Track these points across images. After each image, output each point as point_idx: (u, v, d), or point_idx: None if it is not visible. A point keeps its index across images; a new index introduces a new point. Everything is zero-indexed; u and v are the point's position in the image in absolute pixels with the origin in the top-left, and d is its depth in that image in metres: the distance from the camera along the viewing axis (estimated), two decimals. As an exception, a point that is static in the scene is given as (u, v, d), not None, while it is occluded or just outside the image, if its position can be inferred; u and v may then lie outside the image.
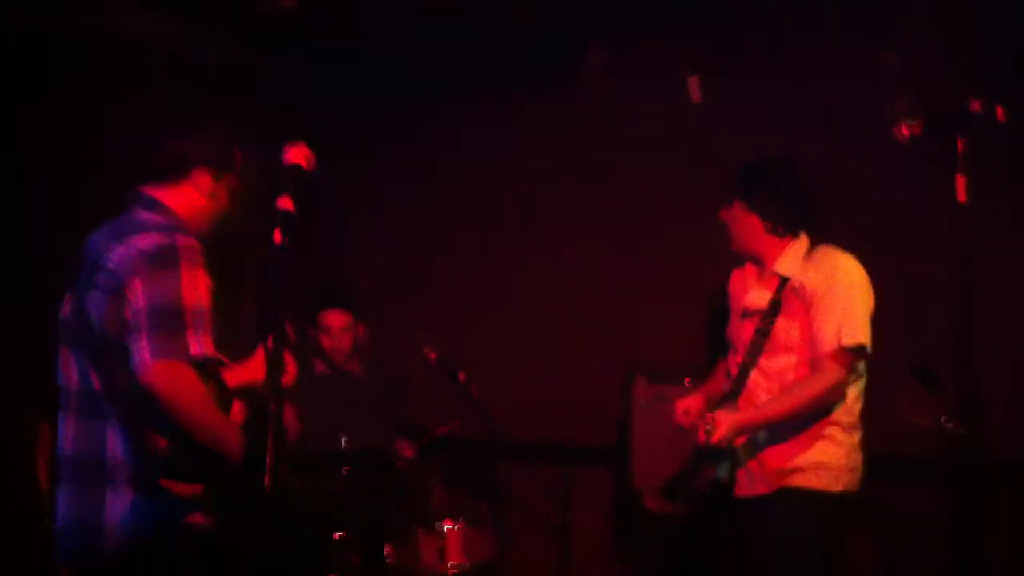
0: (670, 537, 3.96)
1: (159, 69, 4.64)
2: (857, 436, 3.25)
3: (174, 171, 2.68)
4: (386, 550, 3.72)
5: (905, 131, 2.86)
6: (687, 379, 4.13)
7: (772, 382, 3.26)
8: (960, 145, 2.74)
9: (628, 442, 4.26)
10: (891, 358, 3.66)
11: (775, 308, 3.27)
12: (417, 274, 5.48)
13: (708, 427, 3.11)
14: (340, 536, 3.66)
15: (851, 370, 3.16)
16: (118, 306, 2.44)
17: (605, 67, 4.70)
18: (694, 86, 4.38)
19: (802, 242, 3.32)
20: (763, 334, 3.28)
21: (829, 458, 3.19)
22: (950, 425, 3.00)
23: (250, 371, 2.76)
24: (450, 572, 3.76)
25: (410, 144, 5.58)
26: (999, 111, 2.71)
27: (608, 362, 4.63)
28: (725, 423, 3.11)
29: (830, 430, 3.21)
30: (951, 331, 2.69)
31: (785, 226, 3.32)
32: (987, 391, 2.83)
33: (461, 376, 4.12)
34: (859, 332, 3.12)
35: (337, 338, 4.43)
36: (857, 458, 3.24)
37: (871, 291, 3.22)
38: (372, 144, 5.62)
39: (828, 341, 3.13)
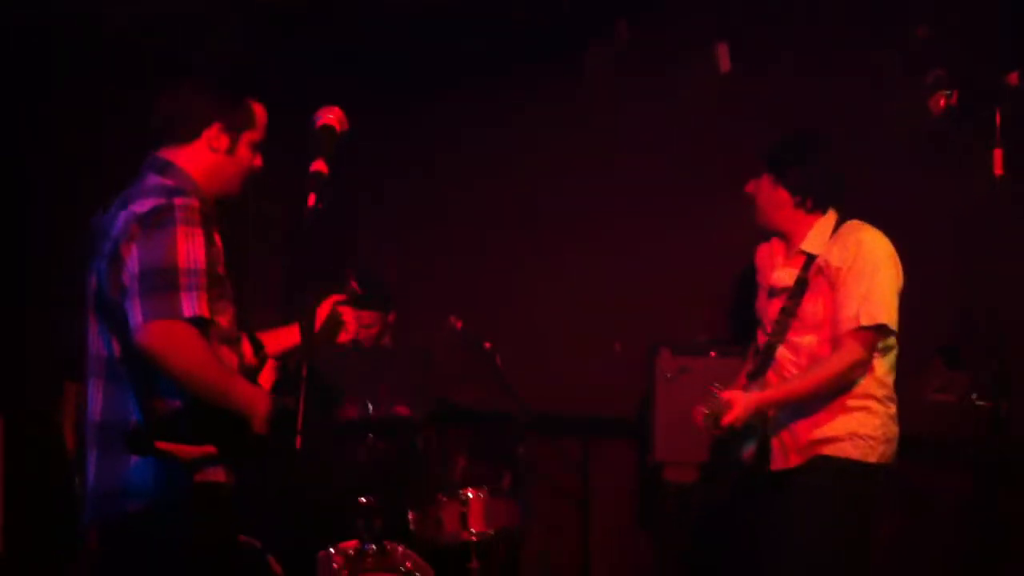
0: (692, 510, 3.96)
1: (159, 68, 4.61)
2: (893, 408, 3.23)
3: (184, 129, 2.59)
4: (409, 516, 3.74)
5: (941, 102, 2.84)
6: (712, 352, 4.12)
7: (801, 357, 3.23)
8: (998, 117, 2.72)
9: (651, 414, 4.24)
10: (920, 336, 3.65)
11: (801, 287, 3.25)
12: (439, 245, 5.47)
13: (719, 409, 3.10)
14: (364, 502, 3.68)
15: (871, 349, 3.13)
16: (117, 271, 2.43)
17: (610, 61, 4.68)
18: (723, 54, 4.34)
19: (830, 218, 3.29)
20: (789, 313, 3.26)
21: (866, 428, 3.16)
22: (980, 402, 2.99)
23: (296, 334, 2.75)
24: (472, 539, 3.77)
25: (409, 143, 5.56)
26: (1036, 84, 2.69)
27: (633, 333, 4.63)
28: (739, 404, 3.10)
29: (866, 401, 3.19)
30: (980, 308, 2.68)
31: (814, 201, 3.28)
32: (1015, 368, 2.83)
33: (487, 345, 4.13)
34: (880, 311, 3.09)
35: (365, 331, 4.42)
36: (894, 429, 3.22)
37: (897, 266, 3.18)
38: (371, 143, 5.60)
39: (848, 320, 3.10)
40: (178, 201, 2.45)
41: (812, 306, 3.22)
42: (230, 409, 2.43)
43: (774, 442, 3.26)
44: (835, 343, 3.15)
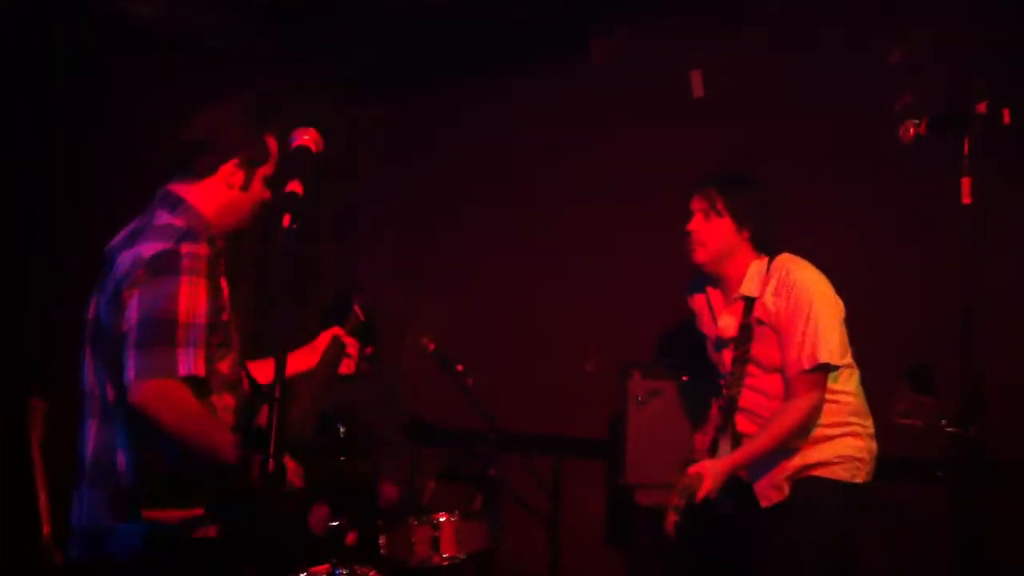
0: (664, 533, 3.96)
1: (162, 58, 4.62)
2: (871, 426, 3.28)
3: (201, 164, 2.55)
4: (381, 540, 3.71)
5: (911, 131, 2.87)
6: (685, 375, 4.13)
7: (772, 399, 3.25)
8: (966, 146, 2.75)
9: (622, 437, 4.24)
10: (892, 359, 3.68)
11: (747, 333, 3.28)
12: (413, 266, 5.47)
13: (692, 486, 3.08)
14: (335, 524, 3.65)
15: (821, 386, 3.17)
16: (119, 314, 2.38)
17: (615, 53, 4.69)
18: (697, 81, 4.37)
19: (763, 261, 3.30)
20: (742, 360, 3.30)
21: (853, 451, 3.22)
22: (949, 428, 3.01)
23: (310, 357, 2.78)
24: (443, 563, 3.75)
25: (408, 135, 5.57)
26: (1006, 113, 2.71)
27: (606, 354, 4.63)
28: (710, 476, 3.09)
29: (849, 426, 3.23)
30: (953, 332, 2.70)
31: (753, 234, 3.28)
32: (988, 391, 2.85)
33: (459, 367, 4.12)
34: (820, 352, 3.12)
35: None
36: (874, 446, 3.28)
37: (830, 297, 3.21)
38: (368, 134, 5.61)
39: (792, 365, 3.15)
40: (184, 249, 2.39)
41: (764, 349, 3.25)
42: (221, 465, 2.39)
43: (758, 486, 3.27)
44: (786, 388, 3.19)
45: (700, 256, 3.32)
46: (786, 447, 3.20)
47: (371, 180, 5.57)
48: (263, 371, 2.69)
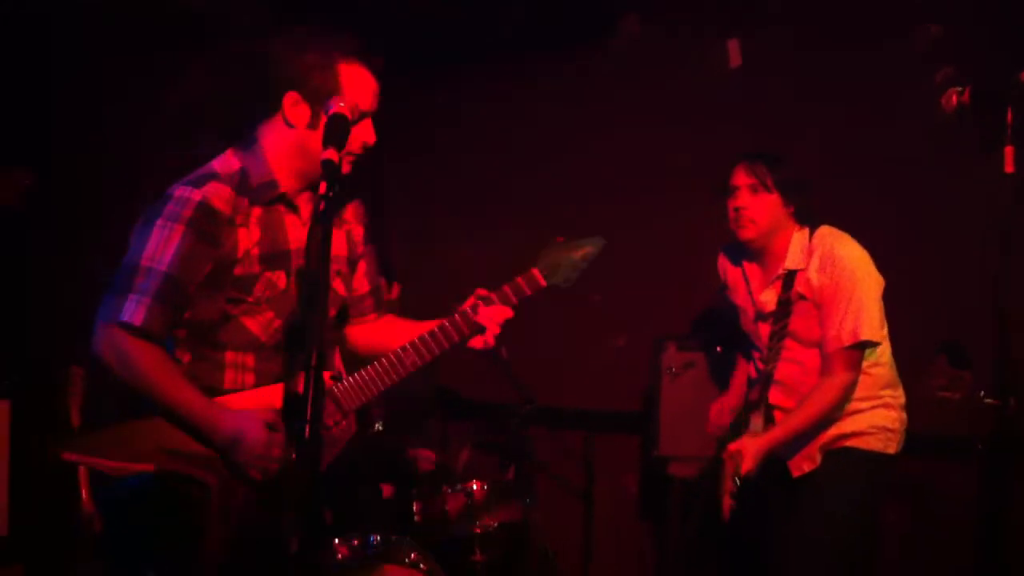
0: (697, 505, 3.96)
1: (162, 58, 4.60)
2: (903, 397, 3.29)
3: (260, 99, 2.34)
4: (414, 507, 3.73)
5: (953, 99, 2.83)
6: (719, 347, 4.12)
7: (808, 373, 3.25)
8: (1009, 115, 2.71)
9: (656, 409, 4.24)
10: (926, 334, 3.65)
11: (786, 307, 3.26)
12: (441, 232, 5.45)
13: (738, 465, 3.09)
14: (368, 492, 3.68)
15: (858, 365, 3.17)
16: None
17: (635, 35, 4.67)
18: (734, 50, 4.33)
19: (804, 232, 3.28)
20: (780, 335, 3.29)
21: (886, 421, 3.24)
22: (987, 400, 2.99)
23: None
24: (476, 531, 3.77)
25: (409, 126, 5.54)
26: (1049, 83, 2.67)
27: (638, 328, 4.62)
28: (750, 454, 3.10)
29: (881, 398, 3.24)
30: (988, 306, 2.68)
31: (797, 209, 3.27)
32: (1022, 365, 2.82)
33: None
34: (862, 329, 3.12)
35: None
36: (905, 417, 3.29)
37: (873, 273, 3.20)
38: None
39: (833, 341, 3.15)
40: (177, 192, 2.35)
41: (804, 323, 3.24)
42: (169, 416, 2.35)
43: (791, 459, 3.28)
44: (824, 363, 3.18)
45: (750, 232, 3.28)
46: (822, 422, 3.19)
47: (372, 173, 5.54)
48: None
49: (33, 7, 4.27)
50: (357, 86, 2.40)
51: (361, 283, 2.81)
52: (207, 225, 2.36)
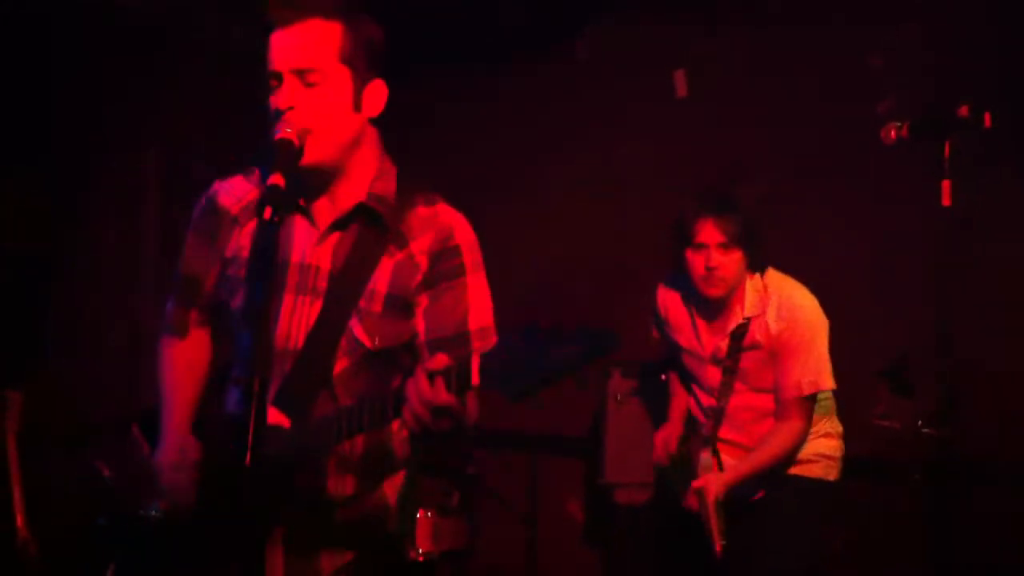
0: (642, 531, 3.97)
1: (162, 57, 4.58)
2: (841, 426, 3.37)
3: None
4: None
5: (892, 134, 2.88)
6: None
7: (759, 414, 3.29)
8: (947, 149, 2.77)
9: (602, 435, 4.25)
10: (870, 361, 3.70)
11: (738, 349, 3.26)
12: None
13: (703, 499, 3.16)
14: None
15: (812, 412, 3.23)
16: None
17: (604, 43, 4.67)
18: (680, 80, 4.38)
19: (755, 277, 3.25)
20: (731, 380, 3.30)
21: (829, 449, 3.31)
22: (926, 429, 3.04)
23: None
24: (419, 559, 3.73)
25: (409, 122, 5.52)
26: (987, 117, 2.73)
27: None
28: (713, 489, 3.15)
29: (826, 425, 3.32)
30: (930, 334, 2.72)
31: (757, 261, 3.22)
32: (962, 393, 2.87)
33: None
34: (821, 379, 3.18)
35: None
36: (843, 446, 3.36)
37: (825, 320, 3.22)
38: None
39: (791, 388, 3.19)
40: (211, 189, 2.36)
41: (755, 369, 3.26)
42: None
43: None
44: (781, 408, 3.22)
45: (720, 291, 3.20)
46: None
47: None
48: None
49: (33, 7, 4.26)
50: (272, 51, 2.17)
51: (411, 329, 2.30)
52: (206, 221, 2.35)
